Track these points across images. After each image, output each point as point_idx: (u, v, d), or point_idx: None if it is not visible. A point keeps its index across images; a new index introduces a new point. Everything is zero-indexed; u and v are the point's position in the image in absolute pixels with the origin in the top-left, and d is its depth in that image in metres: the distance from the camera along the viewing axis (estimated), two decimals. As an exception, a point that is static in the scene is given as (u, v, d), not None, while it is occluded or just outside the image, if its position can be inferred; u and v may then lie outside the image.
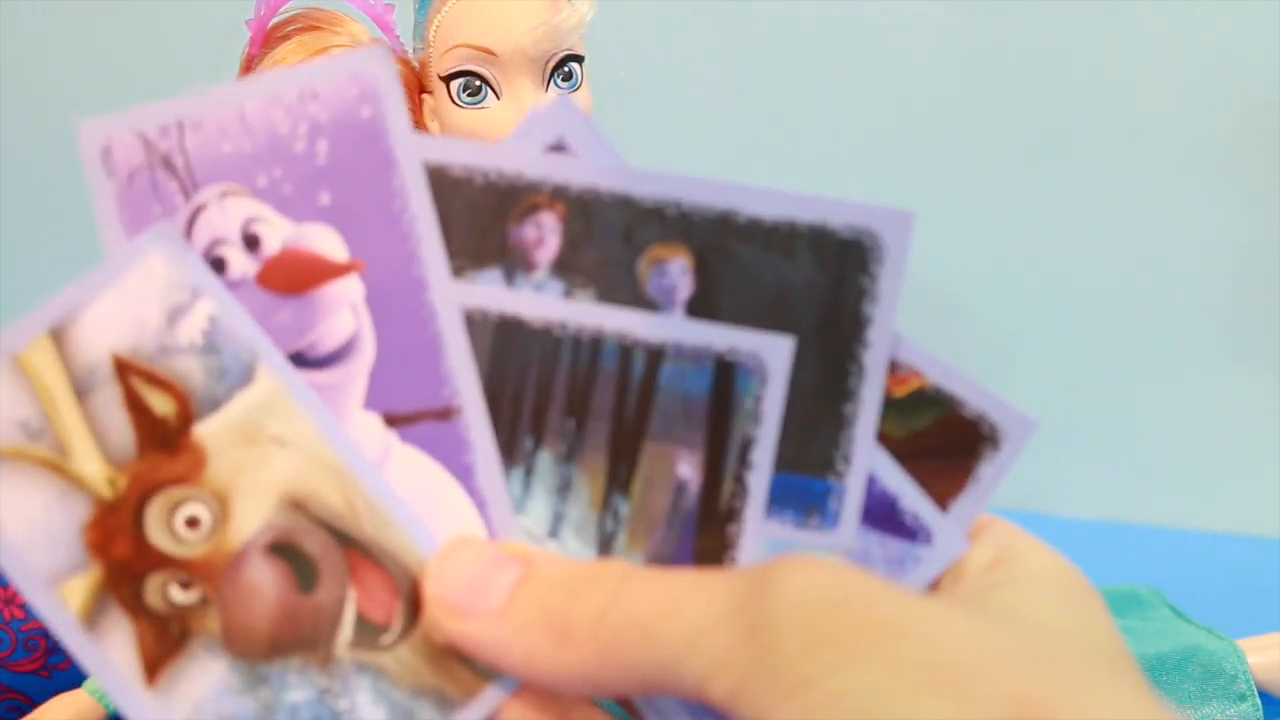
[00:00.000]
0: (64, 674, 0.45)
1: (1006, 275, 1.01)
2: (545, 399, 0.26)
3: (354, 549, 0.25)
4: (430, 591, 0.25)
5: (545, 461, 0.26)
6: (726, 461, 0.26)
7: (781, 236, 0.26)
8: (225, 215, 0.26)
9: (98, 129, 0.26)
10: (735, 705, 0.21)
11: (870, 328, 0.26)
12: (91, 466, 0.24)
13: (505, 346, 0.26)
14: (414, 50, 0.56)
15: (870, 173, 1.02)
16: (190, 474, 0.24)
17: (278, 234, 0.26)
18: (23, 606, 0.45)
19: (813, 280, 0.26)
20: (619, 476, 0.26)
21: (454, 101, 0.51)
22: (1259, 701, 0.61)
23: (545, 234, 0.26)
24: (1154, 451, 0.99)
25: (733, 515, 0.26)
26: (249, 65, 0.53)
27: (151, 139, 0.26)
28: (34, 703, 0.44)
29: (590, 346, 0.26)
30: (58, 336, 0.24)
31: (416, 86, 0.54)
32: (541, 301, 0.26)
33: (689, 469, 0.26)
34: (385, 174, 0.26)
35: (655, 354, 0.26)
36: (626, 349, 0.26)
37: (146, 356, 0.25)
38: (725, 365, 0.26)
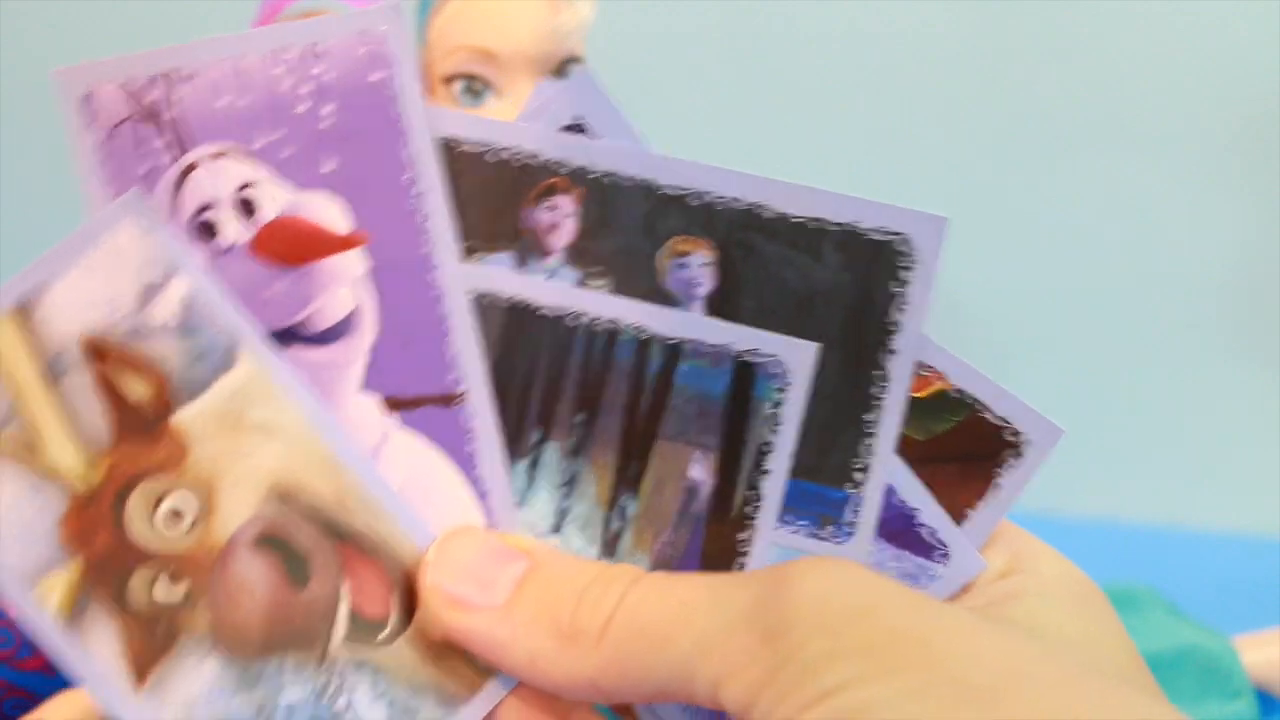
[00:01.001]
0: None
1: (1006, 274, 1.00)
2: (555, 390, 0.24)
3: (346, 541, 0.23)
4: (429, 581, 0.23)
5: (552, 455, 0.24)
6: (741, 466, 0.24)
7: (809, 235, 0.24)
8: (218, 177, 0.23)
9: (77, 76, 0.23)
10: (749, 713, 0.19)
11: (897, 335, 0.24)
12: (65, 456, 0.22)
13: (515, 333, 0.24)
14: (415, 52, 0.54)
15: (869, 174, 1.01)
16: (171, 463, 0.22)
17: (275, 200, 0.24)
18: None
19: (839, 282, 0.24)
20: (629, 474, 0.24)
21: (454, 102, 0.50)
22: (1254, 699, 0.62)
23: (561, 219, 0.24)
24: (1153, 450, 0.99)
25: (744, 521, 0.24)
26: None
27: (137, 90, 0.23)
28: (39, 699, 0.41)
29: (605, 338, 0.24)
30: (23, 316, 0.22)
31: None
32: (556, 288, 0.24)
33: (702, 471, 0.24)
34: (394, 143, 0.24)
35: (673, 350, 0.24)
36: (643, 343, 0.24)
37: (119, 338, 0.22)
38: (745, 366, 0.24)
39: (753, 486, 0.24)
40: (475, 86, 0.50)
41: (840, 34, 1.01)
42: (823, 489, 0.24)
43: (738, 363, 0.24)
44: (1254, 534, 0.92)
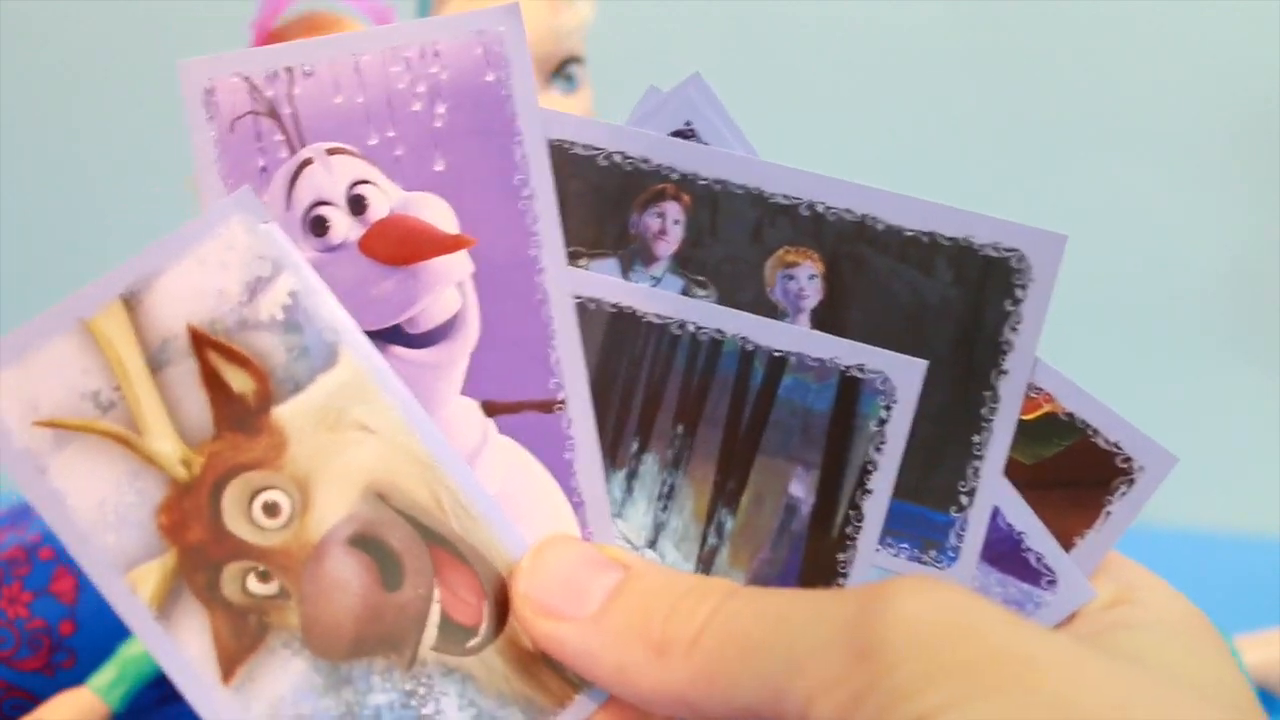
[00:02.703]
0: (67, 672, 0.42)
1: None
2: (656, 400, 0.22)
3: (439, 546, 0.21)
4: (521, 589, 0.21)
5: (650, 466, 0.23)
6: (843, 485, 0.22)
7: (921, 249, 0.22)
8: (331, 174, 0.22)
9: (200, 69, 0.22)
10: None
11: (1009, 355, 0.22)
12: (166, 444, 0.21)
13: (618, 340, 0.22)
14: None
15: (869, 174, 0.98)
16: (269, 458, 0.21)
17: (386, 199, 0.22)
18: (27, 605, 0.42)
19: (950, 298, 0.22)
20: (727, 489, 0.22)
21: None
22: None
23: (669, 225, 0.23)
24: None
25: (845, 541, 0.22)
26: None
27: (258, 84, 0.22)
28: (38, 700, 0.41)
29: (709, 348, 0.22)
30: (131, 303, 0.21)
31: None
32: (661, 296, 0.23)
33: (802, 489, 0.22)
34: (506, 144, 0.23)
35: (777, 363, 0.22)
36: (747, 354, 0.22)
37: (225, 330, 0.21)
38: (850, 382, 0.22)
39: (854, 506, 0.22)
40: (476, 86, 0.48)
41: (841, 33, 0.99)
42: (926, 511, 0.22)
43: (843, 378, 0.22)
44: (1254, 534, 0.88)
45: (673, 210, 0.23)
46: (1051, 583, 0.22)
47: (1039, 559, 0.22)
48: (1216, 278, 0.95)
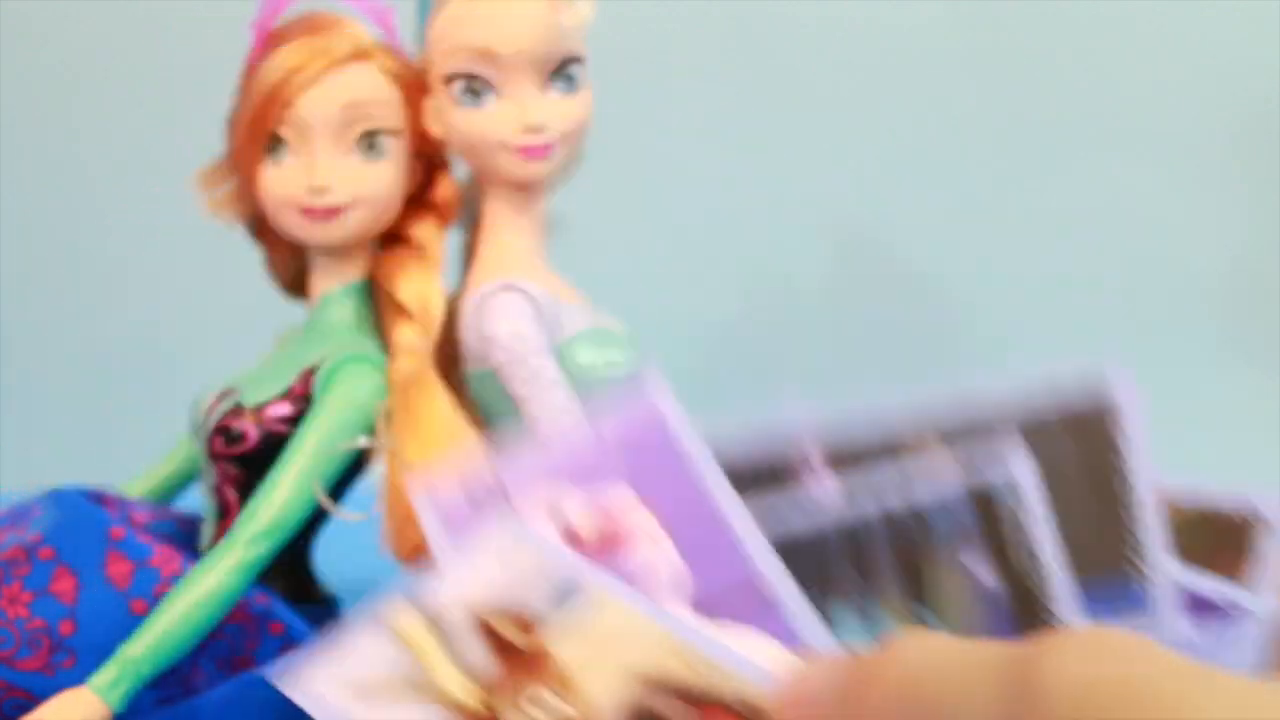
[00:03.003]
0: (67, 672, 0.42)
1: (1006, 274, 0.97)
2: (827, 576, 0.27)
3: (700, 699, 0.25)
4: (774, 705, 0.23)
5: (842, 607, 0.27)
6: (1004, 533, 0.27)
7: (1037, 428, 0.27)
8: (540, 513, 0.28)
9: (426, 479, 0.29)
10: None
11: (1129, 456, 0.27)
12: (459, 690, 0.26)
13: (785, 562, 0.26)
14: (416, 52, 0.51)
15: (870, 173, 0.98)
16: (542, 674, 0.26)
17: (587, 512, 0.28)
18: (27, 605, 0.42)
19: (1073, 450, 0.27)
20: (917, 591, 0.27)
21: (455, 102, 0.48)
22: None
23: (817, 471, 0.27)
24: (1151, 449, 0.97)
25: (1032, 567, 0.27)
26: (252, 68, 0.49)
27: (469, 480, 0.28)
28: (38, 700, 0.41)
29: (857, 529, 0.27)
30: (421, 605, 0.27)
31: (419, 89, 0.50)
32: (804, 515, 0.27)
33: (973, 557, 0.27)
34: (672, 456, 0.28)
35: (918, 515, 0.27)
36: (891, 521, 0.27)
37: (496, 605, 0.27)
38: (980, 492, 0.27)
39: (1024, 541, 0.27)
40: (475, 86, 0.48)
41: (841, 33, 0.98)
42: (1107, 580, 0.27)
43: (973, 493, 0.27)
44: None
45: (818, 465, 0.27)
46: (1237, 611, 0.26)
47: (1217, 597, 0.26)
48: (1216, 278, 0.97)
